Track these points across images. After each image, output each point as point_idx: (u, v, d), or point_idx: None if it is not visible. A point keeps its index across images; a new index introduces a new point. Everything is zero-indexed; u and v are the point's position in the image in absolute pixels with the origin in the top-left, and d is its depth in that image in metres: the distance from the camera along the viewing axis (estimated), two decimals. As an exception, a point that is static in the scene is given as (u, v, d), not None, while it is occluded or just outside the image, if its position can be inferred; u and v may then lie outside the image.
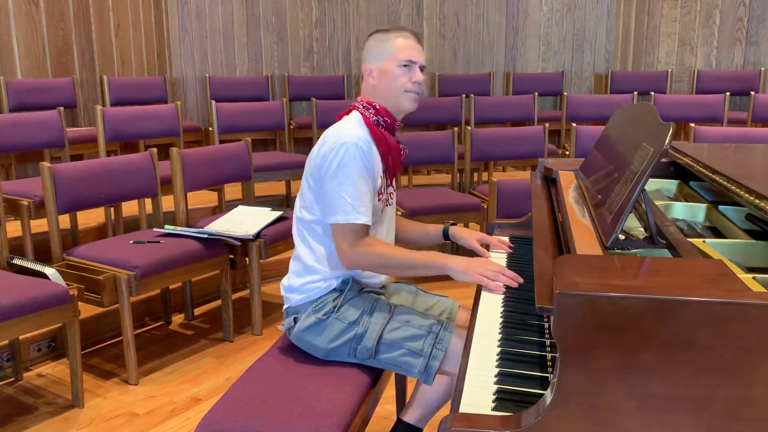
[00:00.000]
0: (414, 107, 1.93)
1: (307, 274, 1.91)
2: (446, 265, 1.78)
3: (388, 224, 2.01)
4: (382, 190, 1.90)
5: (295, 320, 1.90)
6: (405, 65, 1.87)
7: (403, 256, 1.81)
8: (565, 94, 5.88)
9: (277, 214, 3.31)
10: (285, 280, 1.98)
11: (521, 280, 1.72)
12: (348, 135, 1.81)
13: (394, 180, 2.00)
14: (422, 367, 1.76)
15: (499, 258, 2.00)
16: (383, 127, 1.90)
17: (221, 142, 4.42)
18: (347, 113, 1.94)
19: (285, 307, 1.96)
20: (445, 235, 2.12)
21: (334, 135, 1.83)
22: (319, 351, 1.86)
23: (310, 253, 1.90)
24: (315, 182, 1.86)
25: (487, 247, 2.06)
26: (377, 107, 1.90)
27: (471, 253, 2.02)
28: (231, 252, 3.17)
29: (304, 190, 1.91)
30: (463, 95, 5.55)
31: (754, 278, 1.29)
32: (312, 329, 1.86)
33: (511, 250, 2.05)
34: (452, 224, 2.13)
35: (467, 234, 2.09)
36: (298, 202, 1.95)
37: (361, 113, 1.90)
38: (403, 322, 1.82)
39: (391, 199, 2.01)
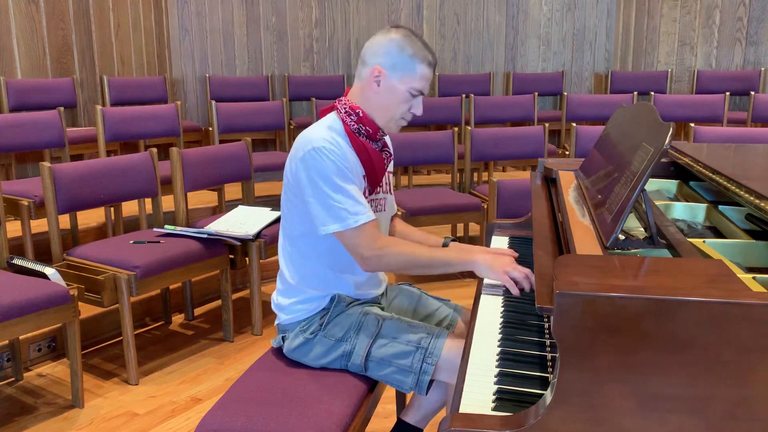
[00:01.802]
0: (396, 132, 1.85)
1: (293, 295, 1.85)
2: (473, 261, 1.70)
3: (381, 231, 1.91)
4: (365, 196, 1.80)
5: (284, 339, 1.87)
6: (414, 95, 1.77)
7: (427, 254, 1.73)
8: (565, 94, 5.88)
9: (277, 214, 3.31)
10: (274, 296, 1.92)
11: None
12: (314, 140, 1.71)
13: (385, 185, 1.91)
14: (413, 383, 1.71)
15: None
16: (364, 136, 1.79)
17: (221, 142, 4.42)
18: (330, 110, 1.83)
19: (276, 322, 1.93)
20: None
21: (302, 142, 1.74)
22: (312, 365, 1.83)
23: (294, 273, 1.84)
24: (295, 196, 1.77)
25: None
26: (360, 115, 1.77)
27: None
28: (231, 252, 3.17)
29: (284, 204, 1.83)
30: (463, 95, 5.56)
31: (754, 278, 1.29)
32: (300, 349, 1.82)
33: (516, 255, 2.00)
34: (452, 239, 2.02)
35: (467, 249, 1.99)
36: (282, 217, 1.87)
37: (342, 119, 1.78)
38: (390, 339, 1.75)
39: (381, 205, 1.91)
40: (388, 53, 1.74)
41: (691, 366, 1.01)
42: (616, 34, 6.76)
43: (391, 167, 1.95)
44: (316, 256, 1.80)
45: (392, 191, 1.98)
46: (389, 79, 1.75)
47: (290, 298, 1.86)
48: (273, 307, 1.93)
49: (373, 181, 1.82)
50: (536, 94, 5.56)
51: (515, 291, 1.66)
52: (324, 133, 1.73)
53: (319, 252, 1.80)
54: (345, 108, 1.79)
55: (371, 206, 1.84)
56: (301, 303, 1.85)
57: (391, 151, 1.90)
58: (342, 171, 1.69)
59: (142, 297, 3.22)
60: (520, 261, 1.97)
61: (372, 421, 1.88)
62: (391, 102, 1.77)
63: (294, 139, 6.05)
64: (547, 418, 1.06)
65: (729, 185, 1.62)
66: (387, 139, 1.90)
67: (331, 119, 1.80)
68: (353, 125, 1.77)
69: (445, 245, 1.99)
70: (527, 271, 1.68)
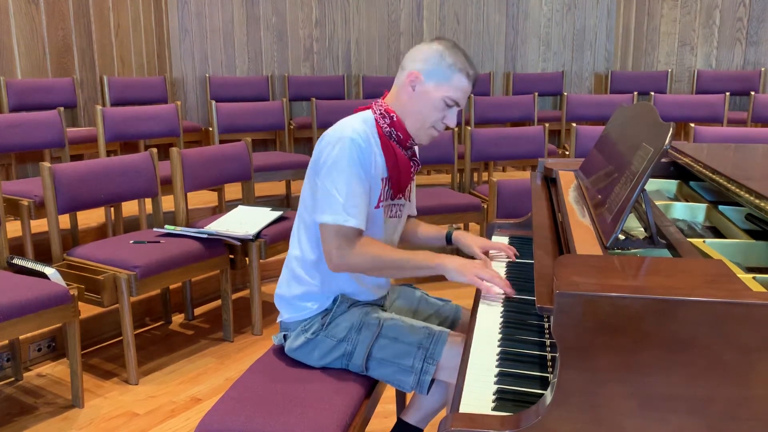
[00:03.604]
0: (427, 143, 1.84)
1: (298, 286, 1.84)
2: (441, 264, 1.71)
3: (392, 236, 1.93)
4: (382, 198, 1.81)
5: (285, 337, 1.87)
6: (449, 104, 1.76)
7: (396, 256, 1.74)
8: (565, 94, 5.88)
9: (277, 214, 3.31)
10: (278, 289, 1.92)
11: (514, 293, 1.67)
12: (346, 129, 1.71)
13: (407, 192, 1.91)
14: (414, 383, 1.72)
15: (499, 262, 2.00)
16: (395, 141, 1.79)
17: (221, 142, 4.42)
18: (364, 111, 1.84)
19: (278, 319, 1.92)
20: (448, 239, 2.05)
21: (337, 128, 1.74)
22: (313, 365, 1.83)
23: (302, 261, 1.84)
24: (313, 178, 1.78)
25: (487, 254, 2.00)
26: (394, 119, 1.77)
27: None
28: (231, 252, 3.17)
29: (306, 189, 1.83)
30: (463, 95, 5.54)
31: (754, 278, 1.29)
32: (302, 349, 1.82)
33: (515, 258, 2.00)
34: (456, 228, 2.06)
35: (470, 240, 2.02)
36: (300, 202, 1.86)
37: (376, 119, 1.79)
38: (391, 339, 1.76)
39: (398, 211, 1.91)
40: (428, 60, 1.75)
41: (692, 366, 1.01)
42: (616, 34, 6.76)
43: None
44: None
45: (412, 198, 1.99)
46: (425, 84, 1.75)
47: (295, 289, 1.85)
48: (275, 300, 1.92)
49: (396, 187, 1.83)
50: (536, 94, 5.56)
51: (489, 291, 1.67)
52: (359, 126, 1.74)
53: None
54: (380, 110, 1.80)
55: (389, 210, 1.86)
56: (305, 301, 1.84)
57: (419, 161, 1.90)
58: (358, 169, 1.70)
59: (142, 297, 3.21)
60: (520, 261, 1.99)
61: (372, 421, 1.88)
62: (424, 108, 1.76)
63: (293, 140, 6.04)
64: (547, 418, 1.05)
65: (729, 185, 1.62)
66: (415, 148, 1.89)
67: (367, 114, 1.81)
68: (386, 128, 1.78)
69: (449, 234, 2.04)
70: (497, 272, 1.71)
